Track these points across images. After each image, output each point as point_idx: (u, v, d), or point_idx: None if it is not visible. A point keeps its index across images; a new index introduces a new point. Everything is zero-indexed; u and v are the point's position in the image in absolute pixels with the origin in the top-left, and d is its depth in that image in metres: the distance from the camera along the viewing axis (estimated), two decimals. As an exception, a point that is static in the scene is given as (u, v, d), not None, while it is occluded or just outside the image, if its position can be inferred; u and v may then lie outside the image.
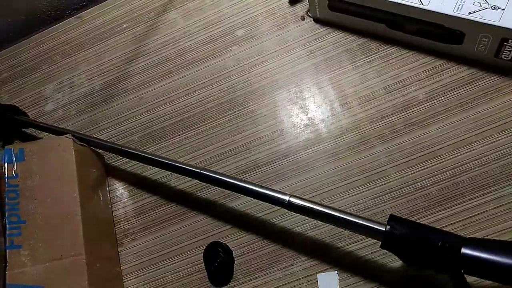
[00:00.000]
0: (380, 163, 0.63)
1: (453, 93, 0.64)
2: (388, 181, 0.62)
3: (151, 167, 0.70)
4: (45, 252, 0.58)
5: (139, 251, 0.68)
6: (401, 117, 0.64)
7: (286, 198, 0.54)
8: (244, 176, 0.67)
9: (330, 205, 0.53)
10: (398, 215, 0.59)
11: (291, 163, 0.66)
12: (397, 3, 0.62)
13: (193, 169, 0.61)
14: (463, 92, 0.63)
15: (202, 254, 0.64)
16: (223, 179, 0.59)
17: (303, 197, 0.54)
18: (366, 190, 0.62)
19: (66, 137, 0.65)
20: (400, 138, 0.63)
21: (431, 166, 0.61)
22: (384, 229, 0.49)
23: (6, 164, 0.62)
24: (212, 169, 0.61)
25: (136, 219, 0.70)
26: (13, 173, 0.61)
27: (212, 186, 0.65)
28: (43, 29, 0.90)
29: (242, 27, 0.78)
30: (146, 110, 0.76)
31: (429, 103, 0.64)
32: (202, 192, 0.68)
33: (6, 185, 0.60)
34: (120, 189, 0.72)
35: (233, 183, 0.58)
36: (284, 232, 0.63)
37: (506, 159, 0.59)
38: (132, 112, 0.76)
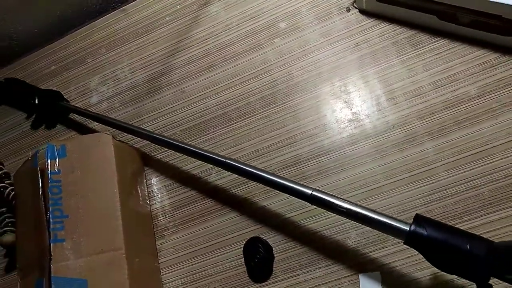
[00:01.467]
0: (428, 161, 0.60)
1: (508, 89, 0.60)
2: (437, 180, 0.59)
3: (188, 162, 0.71)
4: (86, 246, 0.59)
5: (177, 245, 0.68)
6: (451, 113, 0.61)
7: (309, 191, 0.53)
8: (285, 171, 0.66)
9: (354, 202, 0.51)
10: (447, 215, 0.57)
11: (334, 159, 0.64)
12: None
13: (218, 158, 0.61)
14: (519, 87, 0.60)
15: (242, 249, 0.63)
16: (247, 170, 0.58)
17: (328, 192, 0.53)
18: (413, 188, 0.60)
19: (106, 133, 0.67)
20: (450, 135, 0.60)
21: (482, 166, 0.58)
22: (408, 229, 0.46)
23: (49, 160, 0.63)
24: (239, 160, 0.60)
25: (173, 213, 0.70)
26: (56, 168, 0.63)
27: (251, 181, 0.64)
28: (89, 22, 0.91)
29: (284, 19, 0.76)
30: (188, 104, 0.76)
31: (482, 99, 0.61)
32: (240, 187, 0.67)
33: (49, 180, 0.62)
34: (157, 184, 0.73)
35: (257, 173, 0.58)
36: (326, 230, 0.61)
37: None
38: (175, 106, 0.77)
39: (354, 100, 0.67)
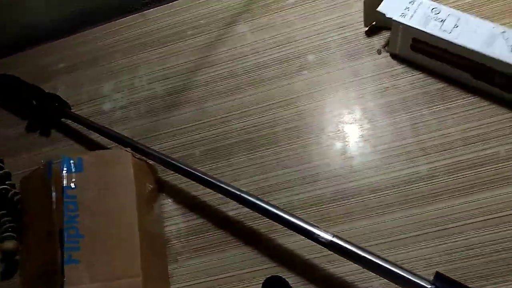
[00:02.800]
0: (455, 218, 0.60)
1: (536, 154, 0.62)
2: (464, 238, 0.59)
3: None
4: (102, 269, 0.55)
5: (191, 272, 0.65)
6: (479, 172, 0.62)
7: (329, 237, 0.52)
8: (307, 210, 0.65)
9: (375, 252, 0.51)
10: (472, 276, 0.57)
11: (360, 204, 0.64)
12: (492, 57, 0.60)
13: (233, 190, 0.59)
14: (549, 154, 0.61)
15: (261, 285, 0.61)
16: (264, 207, 0.57)
17: (348, 239, 0.52)
18: (439, 244, 0.59)
19: (126, 150, 0.63)
20: (478, 194, 0.61)
21: (511, 230, 0.59)
22: (429, 287, 0.47)
23: (65, 173, 0.59)
24: (255, 195, 0.59)
25: (188, 238, 0.67)
26: (72, 183, 0.58)
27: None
28: (105, 22, 0.87)
29: (313, 52, 0.76)
30: (209, 125, 0.73)
31: (511, 161, 0.62)
32: (262, 219, 0.64)
33: (64, 195, 0.57)
34: (172, 205, 0.69)
35: (274, 212, 0.56)
36: (347, 276, 0.60)
37: None
38: (194, 125, 0.74)
39: (383, 146, 0.67)
